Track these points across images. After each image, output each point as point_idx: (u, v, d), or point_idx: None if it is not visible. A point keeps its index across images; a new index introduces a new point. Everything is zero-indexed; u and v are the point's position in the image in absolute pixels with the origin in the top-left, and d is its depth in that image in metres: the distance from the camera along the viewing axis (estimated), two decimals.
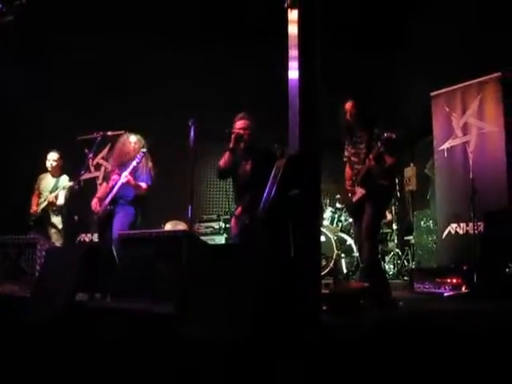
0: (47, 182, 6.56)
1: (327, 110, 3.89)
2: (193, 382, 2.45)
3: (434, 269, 6.06)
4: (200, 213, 8.93)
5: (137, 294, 4.31)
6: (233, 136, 4.55)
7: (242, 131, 4.56)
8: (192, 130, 4.78)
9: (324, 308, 3.39)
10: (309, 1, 3.32)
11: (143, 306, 3.91)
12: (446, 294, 5.20)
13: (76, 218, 7.06)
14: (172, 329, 2.96)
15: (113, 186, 5.16)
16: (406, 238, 8.19)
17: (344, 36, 7.00)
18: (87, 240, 7.87)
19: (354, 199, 4.67)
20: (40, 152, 6.82)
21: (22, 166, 7.50)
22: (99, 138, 6.15)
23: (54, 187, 6.45)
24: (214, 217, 8.60)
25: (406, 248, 8.04)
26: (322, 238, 7.33)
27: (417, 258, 7.58)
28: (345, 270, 7.51)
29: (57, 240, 6.31)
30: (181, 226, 7.40)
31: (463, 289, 5.17)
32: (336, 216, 8.23)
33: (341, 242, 7.67)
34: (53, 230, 6.34)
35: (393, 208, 8.07)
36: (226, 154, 4.62)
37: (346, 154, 4.83)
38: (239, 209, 4.63)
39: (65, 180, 6.49)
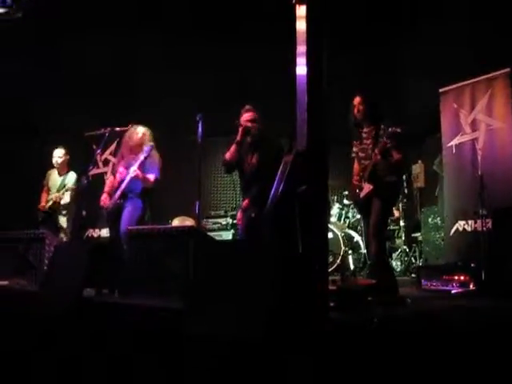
0: (54, 178, 6.58)
1: (335, 106, 3.89)
2: (201, 378, 2.45)
3: (441, 266, 6.03)
4: (207, 209, 8.94)
5: (144, 290, 4.33)
6: (241, 129, 4.54)
7: (249, 124, 4.54)
8: (200, 125, 4.79)
9: (331, 304, 3.38)
10: None
11: (151, 302, 3.93)
12: (453, 292, 5.18)
13: (84, 213, 7.09)
14: (180, 325, 2.97)
15: (121, 181, 5.15)
16: (413, 234, 8.17)
17: (352, 32, 6.97)
18: (95, 235, 7.91)
19: (362, 195, 4.66)
20: (48, 147, 6.85)
21: (31, 161, 7.54)
22: (107, 134, 6.18)
23: (60, 185, 6.47)
24: (222, 213, 8.62)
25: (414, 245, 8.02)
26: (330, 235, 7.33)
27: (424, 255, 7.56)
28: (352, 267, 7.51)
29: (63, 238, 6.34)
30: (188, 221, 7.40)
31: (471, 286, 5.14)
32: (343, 212, 8.23)
33: (348, 239, 7.66)
34: (59, 228, 6.38)
35: (400, 205, 8.05)
36: (233, 147, 4.61)
37: (354, 149, 4.82)
38: (246, 201, 4.62)
39: (71, 178, 6.51)
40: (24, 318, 3.77)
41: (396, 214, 8.11)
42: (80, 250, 4.49)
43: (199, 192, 4.86)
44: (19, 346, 3.07)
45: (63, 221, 6.43)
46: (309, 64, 3.21)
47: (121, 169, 5.25)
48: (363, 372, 2.36)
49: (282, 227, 3.69)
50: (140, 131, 5.34)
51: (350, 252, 7.56)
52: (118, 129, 6.30)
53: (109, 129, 6.18)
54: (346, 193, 8.28)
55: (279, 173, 3.61)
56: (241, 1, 6.87)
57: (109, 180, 5.70)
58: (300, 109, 3.22)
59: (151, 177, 5.21)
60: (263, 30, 6.86)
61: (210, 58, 7.83)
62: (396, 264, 7.91)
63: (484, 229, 5.64)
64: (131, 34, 7.28)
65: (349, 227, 8.07)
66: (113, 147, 7.89)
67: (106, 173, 8.03)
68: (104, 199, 5.27)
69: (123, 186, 5.10)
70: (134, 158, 5.17)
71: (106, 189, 5.43)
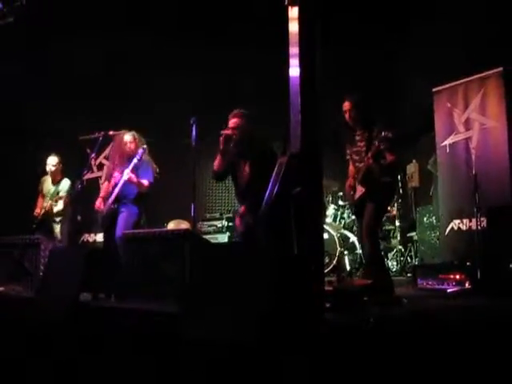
0: (48, 185, 6.56)
1: (329, 107, 3.89)
2: (197, 381, 2.45)
3: (437, 265, 6.03)
4: (203, 211, 8.93)
5: (140, 294, 4.32)
6: (221, 138, 4.42)
7: (230, 131, 4.42)
8: (194, 128, 4.78)
9: (327, 305, 3.39)
10: None
11: (147, 306, 3.92)
12: (449, 291, 5.19)
13: (79, 217, 7.07)
14: (176, 328, 2.97)
15: (115, 185, 5.15)
16: (408, 234, 8.18)
17: (345, 32, 6.99)
18: (90, 240, 7.89)
19: (355, 197, 4.68)
20: (42, 152, 6.83)
21: (25, 166, 7.51)
22: (101, 138, 6.15)
23: (53, 193, 6.45)
24: (217, 215, 8.62)
25: (409, 244, 8.03)
26: (325, 236, 7.33)
27: (420, 254, 7.57)
28: (348, 267, 7.51)
29: (57, 244, 6.32)
30: (184, 224, 7.40)
31: (467, 285, 5.15)
32: (339, 213, 8.23)
33: (344, 239, 7.67)
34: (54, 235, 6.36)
35: (395, 204, 8.06)
36: (218, 157, 4.51)
37: (347, 152, 4.84)
38: (243, 208, 4.59)
39: (65, 185, 6.48)
40: (20, 324, 3.76)
41: (393, 211, 8.11)
42: (76, 255, 4.48)
43: (194, 195, 4.85)
44: (15, 352, 3.06)
45: (57, 228, 6.40)
46: (302, 65, 3.21)
47: (116, 174, 5.24)
48: (359, 372, 2.36)
49: (277, 229, 3.69)
50: (127, 139, 5.32)
51: (345, 253, 7.57)
52: (111, 132, 6.27)
53: (103, 133, 6.14)
54: (341, 194, 8.30)
55: (274, 175, 3.60)
56: (233, 3, 6.88)
57: (104, 185, 5.68)
58: (293, 110, 3.22)
59: (145, 182, 5.20)
60: (256, 33, 6.88)
61: (203, 60, 7.85)
62: (392, 264, 7.92)
63: (479, 227, 5.65)
64: (123, 37, 7.29)
65: (344, 228, 8.07)
66: (107, 151, 7.86)
67: (100, 177, 8.01)
68: (99, 204, 5.26)
69: (117, 189, 5.10)
70: (126, 163, 5.16)
71: (102, 194, 5.42)
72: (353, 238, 7.75)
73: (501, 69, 6.17)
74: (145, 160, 5.26)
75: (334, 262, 7.33)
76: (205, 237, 7.02)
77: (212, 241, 7.41)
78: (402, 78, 7.80)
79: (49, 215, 6.35)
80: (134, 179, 5.09)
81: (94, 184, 7.82)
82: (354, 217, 7.85)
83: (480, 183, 5.70)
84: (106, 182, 5.57)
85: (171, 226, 7.70)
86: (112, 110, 8.02)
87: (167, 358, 2.69)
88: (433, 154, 7.16)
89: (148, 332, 3.19)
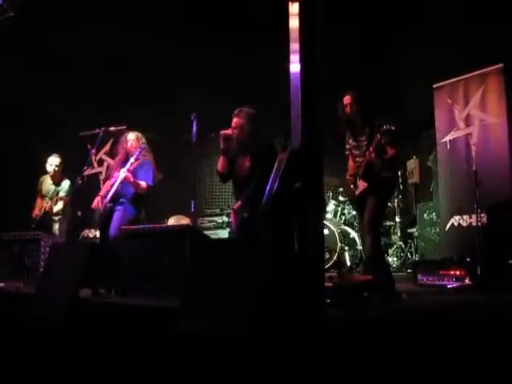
0: (48, 185, 6.53)
1: (330, 102, 3.89)
2: (197, 375, 2.46)
3: (437, 261, 6.04)
4: (203, 207, 8.94)
5: (141, 289, 4.32)
6: (221, 138, 4.48)
7: (228, 131, 4.47)
8: (194, 124, 4.78)
9: (328, 301, 3.39)
10: None
11: (147, 301, 3.92)
12: (449, 287, 5.20)
13: (79, 213, 7.07)
14: (176, 323, 2.97)
15: (113, 184, 5.15)
16: (409, 230, 8.19)
17: (346, 29, 6.98)
18: (91, 235, 7.89)
19: (357, 193, 4.68)
20: (42, 150, 6.82)
21: (26, 163, 7.51)
22: (101, 134, 6.14)
23: (53, 193, 6.44)
24: (217, 211, 8.61)
25: (410, 241, 8.04)
26: (326, 231, 7.34)
27: (420, 250, 7.58)
28: (348, 263, 7.52)
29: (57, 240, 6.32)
30: (184, 220, 7.40)
31: (467, 281, 5.16)
32: (339, 209, 8.23)
33: (344, 235, 7.68)
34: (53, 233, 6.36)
35: (396, 200, 8.06)
36: (221, 158, 4.57)
37: (347, 146, 4.83)
38: (238, 203, 4.61)
39: (65, 186, 6.47)
40: (20, 320, 3.76)
41: (392, 207, 8.12)
42: (76, 251, 4.48)
43: (194, 191, 4.85)
44: (15, 348, 3.07)
45: (56, 226, 6.39)
46: (302, 62, 3.20)
47: (116, 173, 5.24)
48: (360, 368, 2.36)
49: (277, 224, 3.70)
50: (131, 138, 5.32)
51: (346, 248, 7.57)
52: (112, 128, 6.28)
53: (103, 128, 6.14)
54: (342, 189, 8.31)
55: (274, 171, 3.61)
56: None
57: (104, 184, 5.67)
58: (294, 106, 3.21)
59: (143, 183, 5.18)
60: (258, 28, 6.86)
61: (203, 55, 7.83)
62: (392, 260, 7.93)
63: (479, 223, 5.66)
64: (123, 33, 7.27)
65: (345, 224, 8.08)
66: (107, 147, 7.88)
67: (100, 173, 8.02)
68: (96, 202, 5.24)
69: (114, 188, 5.09)
70: (126, 162, 5.15)
71: (101, 192, 5.40)
72: (353, 234, 7.75)
73: (501, 65, 6.18)
74: (146, 161, 5.24)
75: (335, 257, 7.34)
76: (205, 232, 7.02)
77: (212, 236, 7.40)
78: (402, 73, 7.80)
79: (48, 214, 6.34)
80: (131, 179, 5.07)
81: (95, 179, 7.83)
82: (354, 212, 7.86)
83: (480, 179, 5.70)
84: (108, 182, 5.57)
85: (172, 221, 7.69)
86: (112, 105, 8.01)
87: (168, 353, 2.70)
88: (433, 150, 7.16)
89: (148, 327, 3.19)
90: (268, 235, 3.88)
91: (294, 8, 3.35)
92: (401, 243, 7.98)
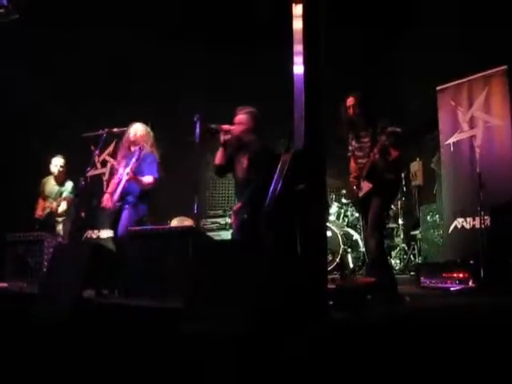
0: (51, 186, 6.55)
1: (333, 104, 3.88)
2: (200, 375, 2.46)
3: (440, 264, 6.02)
4: (206, 209, 8.94)
5: (144, 290, 4.33)
6: (221, 132, 4.52)
7: (227, 125, 4.53)
8: (198, 125, 4.78)
9: (330, 303, 3.39)
10: None
11: (150, 302, 3.93)
12: (452, 289, 5.18)
13: (83, 214, 7.08)
14: (179, 324, 2.97)
15: (119, 182, 5.15)
16: (412, 232, 8.16)
17: (350, 30, 6.98)
18: (94, 236, 7.90)
19: (361, 194, 4.66)
20: (46, 150, 6.84)
21: (29, 163, 7.53)
22: (105, 135, 6.15)
23: (57, 194, 6.45)
24: (220, 212, 8.61)
25: (413, 243, 8.01)
26: (329, 233, 7.33)
27: (423, 252, 7.55)
28: (351, 265, 7.51)
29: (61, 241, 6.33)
30: (187, 222, 7.40)
31: (470, 283, 5.15)
32: (342, 211, 8.23)
33: (347, 237, 7.67)
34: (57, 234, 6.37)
35: (399, 203, 8.05)
36: (219, 150, 4.60)
37: (350, 148, 4.83)
38: (238, 204, 4.62)
39: (68, 187, 6.49)
40: (24, 320, 3.77)
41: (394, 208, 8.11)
42: (80, 251, 4.48)
43: (197, 192, 4.86)
44: (19, 348, 3.07)
45: (59, 226, 6.40)
46: (306, 63, 3.21)
47: (120, 169, 5.24)
48: (362, 370, 2.36)
49: (280, 226, 3.69)
50: (134, 129, 5.32)
51: (349, 250, 7.56)
52: (115, 130, 6.29)
53: (106, 129, 6.14)
54: (345, 192, 8.29)
55: (277, 172, 3.61)
56: (237, 1, 6.88)
57: (111, 181, 5.67)
58: (297, 108, 3.21)
59: (149, 178, 5.18)
60: (262, 29, 6.87)
61: (206, 57, 7.84)
62: (395, 262, 7.90)
63: (483, 226, 5.64)
64: (126, 35, 7.29)
65: (348, 226, 8.07)
66: (111, 148, 7.89)
67: (103, 174, 8.03)
68: (106, 200, 5.24)
69: (120, 188, 5.10)
70: (130, 158, 5.16)
71: (109, 189, 5.40)
72: (356, 236, 7.74)
73: (505, 67, 6.16)
74: (148, 153, 5.24)
75: (338, 259, 7.33)
76: (208, 234, 7.02)
77: (215, 238, 7.40)
78: (406, 75, 7.79)
79: (52, 215, 6.36)
80: (133, 178, 5.09)
81: (98, 180, 7.84)
82: (357, 214, 7.86)
83: (484, 181, 5.68)
84: (113, 178, 5.56)
85: (175, 223, 7.69)
86: (115, 106, 8.02)
87: (170, 354, 2.70)
88: (437, 152, 7.14)
89: (151, 328, 3.19)
90: (271, 236, 3.88)
91: (297, 10, 3.35)
92: (404, 245, 7.96)
